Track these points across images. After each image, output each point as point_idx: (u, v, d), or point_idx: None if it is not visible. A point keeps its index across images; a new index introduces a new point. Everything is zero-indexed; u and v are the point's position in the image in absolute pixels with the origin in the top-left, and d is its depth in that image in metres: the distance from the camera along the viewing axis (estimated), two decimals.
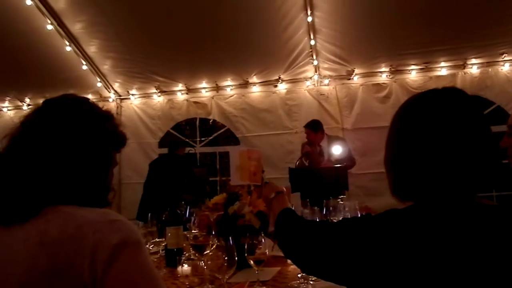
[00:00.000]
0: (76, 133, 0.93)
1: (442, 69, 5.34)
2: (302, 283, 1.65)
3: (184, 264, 1.83)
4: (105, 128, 1.00)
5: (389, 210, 0.88)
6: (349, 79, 5.56)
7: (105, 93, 6.04)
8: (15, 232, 0.84)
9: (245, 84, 5.79)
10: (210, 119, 6.05)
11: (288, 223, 1.15)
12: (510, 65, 5.21)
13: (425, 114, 0.89)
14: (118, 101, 6.15)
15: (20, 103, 6.27)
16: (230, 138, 6.32)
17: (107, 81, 5.84)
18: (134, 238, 0.85)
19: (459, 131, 0.85)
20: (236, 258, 1.53)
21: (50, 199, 0.88)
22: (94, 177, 0.95)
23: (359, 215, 1.71)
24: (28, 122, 0.95)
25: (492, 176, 0.86)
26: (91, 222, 0.83)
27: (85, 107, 1.00)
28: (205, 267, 1.68)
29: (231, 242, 1.55)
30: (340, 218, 1.81)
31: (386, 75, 5.49)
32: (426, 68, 5.36)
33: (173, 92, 6.04)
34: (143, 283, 0.83)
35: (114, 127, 1.04)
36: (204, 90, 5.96)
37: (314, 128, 4.78)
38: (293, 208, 1.28)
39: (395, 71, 5.44)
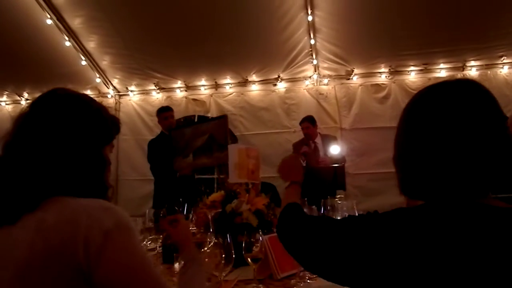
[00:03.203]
0: (67, 131, 0.96)
1: (441, 70, 5.34)
2: (298, 281, 1.65)
3: (181, 261, 1.82)
4: (98, 123, 1.02)
5: (397, 208, 0.83)
6: (348, 79, 5.56)
7: (104, 89, 6.02)
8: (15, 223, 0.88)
9: (244, 82, 5.79)
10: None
11: (292, 217, 1.09)
12: (509, 68, 5.22)
13: (434, 108, 0.83)
14: (117, 97, 6.13)
15: (18, 98, 6.25)
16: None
17: (106, 77, 5.82)
18: (125, 223, 0.89)
19: (471, 127, 0.79)
20: (234, 255, 1.53)
21: (48, 192, 0.91)
22: (90, 174, 0.98)
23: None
24: (21, 121, 0.97)
25: (509, 176, 0.79)
26: (86, 208, 0.87)
27: (77, 102, 1.01)
28: None
29: (228, 239, 1.55)
30: (338, 217, 1.80)
31: (385, 76, 5.50)
32: (425, 69, 5.36)
33: (172, 89, 6.03)
34: (137, 266, 0.87)
35: (107, 118, 1.05)
36: (203, 87, 5.95)
37: (313, 121, 4.85)
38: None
39: (394, 72, 5.45)
